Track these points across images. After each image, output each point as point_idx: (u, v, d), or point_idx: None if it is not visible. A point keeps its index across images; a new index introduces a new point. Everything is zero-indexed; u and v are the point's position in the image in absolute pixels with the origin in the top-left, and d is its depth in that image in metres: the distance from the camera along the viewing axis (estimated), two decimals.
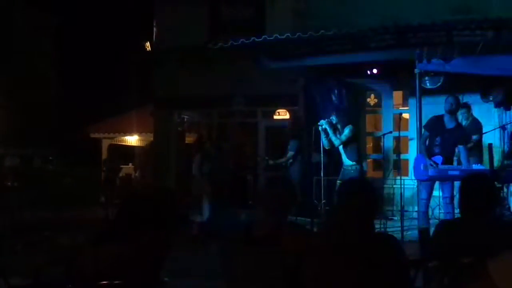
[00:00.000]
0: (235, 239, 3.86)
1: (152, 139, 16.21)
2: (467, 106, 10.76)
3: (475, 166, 8.93)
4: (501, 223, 3.49)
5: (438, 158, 8.14)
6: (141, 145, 21.11)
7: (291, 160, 11.56)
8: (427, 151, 8.27)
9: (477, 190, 3.50)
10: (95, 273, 3.67)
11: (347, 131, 9.99)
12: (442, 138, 8.21)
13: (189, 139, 15.47)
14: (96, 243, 3.91)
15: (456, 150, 8.39)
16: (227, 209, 10.65)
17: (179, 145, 14.54)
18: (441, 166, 7.96)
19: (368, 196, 3.24)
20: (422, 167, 8.15)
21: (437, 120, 8.46)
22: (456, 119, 8.49)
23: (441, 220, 3.86)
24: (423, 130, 8.74)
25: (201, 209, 11.09)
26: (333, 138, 10.03)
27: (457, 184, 10.33)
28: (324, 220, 9.87)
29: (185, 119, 14.69)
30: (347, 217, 3.14)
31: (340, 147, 10.08)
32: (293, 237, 3.57)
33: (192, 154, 12.51)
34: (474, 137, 10.32)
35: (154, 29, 14.73)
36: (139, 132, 19.68)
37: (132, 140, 20.83)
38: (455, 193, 10.51)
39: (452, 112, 8.31)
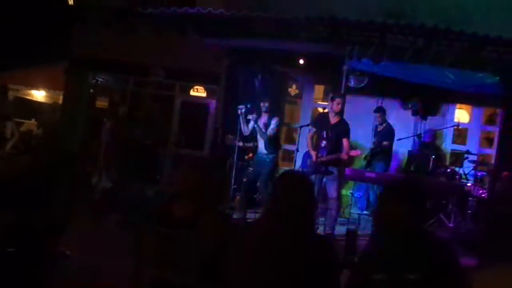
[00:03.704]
0: (149, 218, 3.63)
1: (61, 97, 15.42)
2: (381, 111, 10.87)
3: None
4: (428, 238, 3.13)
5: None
6: (48, 101, 20.12)
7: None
8: (315, 145, 8.86)
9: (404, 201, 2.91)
10: None
11: (275, 124, 9.79)
12: (326, 132, 8.67)
13: (100, 103, 14.84)
14: None
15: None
16: (134, 181, 10.22)
17: (89, 107, 13.88)
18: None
19: (312, 193, 3.06)
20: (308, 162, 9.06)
21: (322, 116, 9.14)
22: (340, 116, 8.81)
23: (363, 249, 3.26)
24: (310, 126, 9.23)
25: (107, 177, 10.59)
26: (258, 129, 9.82)
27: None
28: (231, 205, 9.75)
29: (99, 82, 14.07)
30: (291, 213, 2.92)
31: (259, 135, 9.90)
32: (214, 225, 3.37)
33: (102, 119, 11.97)
34: (384, 142, 10.48)
35: None
36: (48, 88, 18.75)
37: (39, 95, 19.82)
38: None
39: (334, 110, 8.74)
